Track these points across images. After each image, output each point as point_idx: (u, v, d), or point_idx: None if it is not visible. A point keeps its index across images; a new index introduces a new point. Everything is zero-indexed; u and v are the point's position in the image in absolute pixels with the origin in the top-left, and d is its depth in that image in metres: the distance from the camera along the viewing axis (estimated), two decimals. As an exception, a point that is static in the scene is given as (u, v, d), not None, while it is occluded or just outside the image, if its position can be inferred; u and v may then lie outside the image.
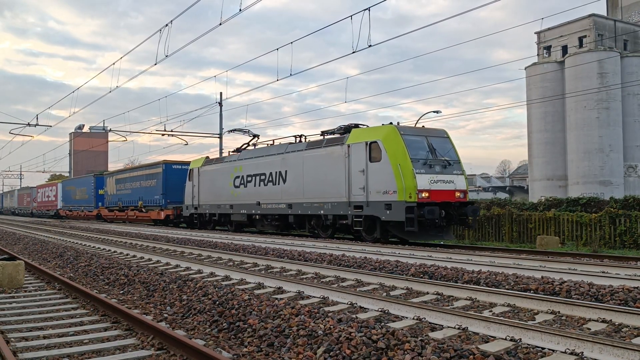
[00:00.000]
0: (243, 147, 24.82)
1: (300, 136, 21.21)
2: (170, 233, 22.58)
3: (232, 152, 25.44)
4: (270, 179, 21.17)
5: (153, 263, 12.13)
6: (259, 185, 21.85)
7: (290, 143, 21.15)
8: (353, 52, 15.73)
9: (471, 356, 4.23)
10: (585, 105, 48.14)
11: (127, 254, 14.15)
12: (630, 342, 4.82)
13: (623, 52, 51.96)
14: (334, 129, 19.23)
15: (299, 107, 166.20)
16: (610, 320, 5.77)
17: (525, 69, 54.53)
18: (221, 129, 36.86)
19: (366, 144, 16.62)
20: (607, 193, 39.52)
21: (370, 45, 15.29)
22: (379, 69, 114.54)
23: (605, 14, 57.29)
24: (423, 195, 15.30)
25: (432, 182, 15.65)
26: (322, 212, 18.35)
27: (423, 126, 17.46)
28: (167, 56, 17.71)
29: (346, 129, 18.45)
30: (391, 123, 16.91)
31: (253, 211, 22.20)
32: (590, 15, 51.97)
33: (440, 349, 4.46)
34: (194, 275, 9.74)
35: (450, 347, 4.47)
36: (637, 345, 4.54)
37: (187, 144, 35.65)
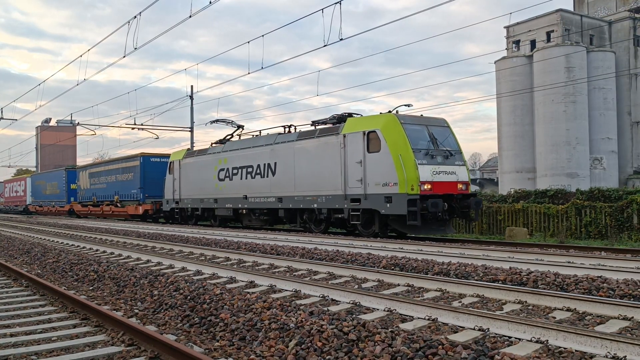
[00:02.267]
0: (227, 138, 23.72)
1: (290, 126, 20.28)
2: (141, 228, 22.32)
3: (215, 143, 24.20)
4: (259, 171, 20.19)
5: (123, 258, 11.99)
6: (246, 178, 20.85)
7: (280, 133, 20.15)
8: (325, 46, 15.74)
9: (440, 346, 4.31)
10: (553, 99, 49.08)
11: (96, 250, 13.95)
12: (593, 330, 4.97)
13: (589, 46, 53.03)
14: (325, 119, 18.46)
15: (271, 101, 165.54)
16: (575, 308, 5.92)
17: (494, 62, 55.26)
18: (192, 122, 36.54)
19: (364, 133, 15.77)
20: (574, 185, 40.41)
21: (341, 39, 15.33)
22: (350, 62, 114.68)
23: (572, 9, 58.37)
24: (425, 187, 14.61)
25: (434, 173, 14.97)
26: (315, 205, 17.50)
27: (422, 115, 16.83)
28: (136, 48, 17.43)
29: (340, 119, 17.65)
30: (390, 111, 16.12)
31: (239, 205, 21.20)
32: (557, 11, 52.88)
33: (410, 339, 4.52)
34: (165, 270, 9.67)
35: (420, 337, 4.54)
36: (599, 333, 4.68)
37: (157, 138, 35.15)
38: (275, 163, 19.34)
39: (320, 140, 17.52)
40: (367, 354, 4.35)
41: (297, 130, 19.59)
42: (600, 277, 7.25)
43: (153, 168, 29.80)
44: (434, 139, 15.53)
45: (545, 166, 49.16)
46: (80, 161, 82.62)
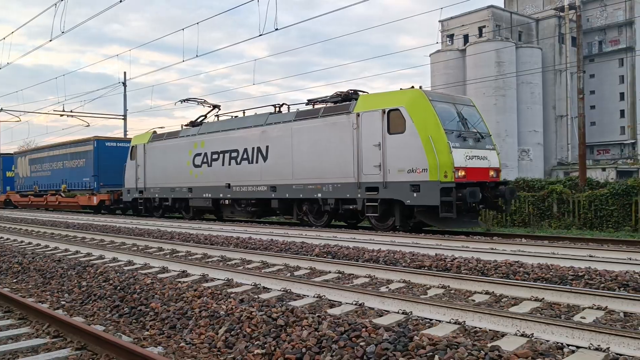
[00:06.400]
0: (199, 120, 21.16)
1: (281, 105, 17.71)
2: (70, 219, 21.61)
3: (186, 125, 21.59)
4: (245, 156, 17.76)
5: (50, 250, 11.63)
6: (229, 164, 18.35)
7: (271, 113, 17.60)
8: (260, 35, 15.72)
9: (364, 329, 4.49)
10: (484, 92, 50.91)
11: (21, 241, 13.43)
12: (507, 311, 5.31)
13: (518, 42, 55.23)
14: (326, 97, 16.24)
15: (208, 89, 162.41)
16: (493, 292, 6.29)
17: (429, 55, 56.68)
18: (125, 109, 35.62)
19: (383, 112, 13.76)
20: (503, 175, 41.94)
21: (277, 29, 15.34)
22: (288, 51, 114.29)
23: (502, 6, 60.52)
24: (459, 174, 12.88)
25: (468, 158, 13.22)
26: (319, 195, 15.30)
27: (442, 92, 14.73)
28: (63, 32, 16.79)
29: (346, 97, 15.52)
30: (413, 87, 14.29)
31: (221, 195, 18.70)
32: (489, 7, 54.71)
33: (336, 323, 4.69)
34: (95, 261, 9.47)
35: (345, 321, 4.72)
36: (511, 313, 5.02)
37: (88, 125, 33.77)
38: (267, 147, 17.04)
39: (326, 120, 15.31)
40: (294, 339, 4.49)
41: (295, 110, 17.23)
42: (517, 262, 7.70)
43: (109, 153, 26.89)
44: (463, 120, 13.82)
45: (476, 157, 50.85)
46: (5, 149, 78.59)
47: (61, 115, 33.69)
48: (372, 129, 14.02)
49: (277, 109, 17.71)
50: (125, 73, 37.95)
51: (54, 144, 33.16)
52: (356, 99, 14.98)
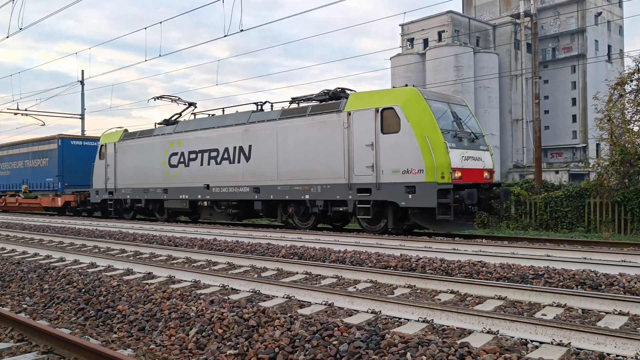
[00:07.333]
0: (176, 119, 20.43)
1: (263, 103, 17.27)
2: (26, 220, 20.99)
3: (160, 124, 20.79)
4: (226, 156, 17.10)
5: (7, 252, 11.29)
6: (209, 164, 17.65)
7: (254, 111, 17.06)
8: (225, 36, 15.65)
9: (336, 328, 4.57)
10: (443, 96, 51.88)
11: (-25, 244, 12.98)
12: (472, 309, 5.47)
13: (476, 47, 56.49)
14: (311, 95, 15.87)
15: (167, 89, 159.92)
16: (458, 291, 6.46)
17: (390, 59, 57.37)
18: (83, 108, 34.79)
19: (377, 110, 13.37)
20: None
21: (242, 30, 15.32)
22: (250, 53, 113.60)
23: (461, 12, 61.82)
24: (456, 175, 12.53)
25: (464, 159, 12.89)
26: (307, 197, 14.75)
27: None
28: (21, 29, 16.31)
29: (334, 95, 15.12)
30: (406, 85, 13.90)
31: (199, 196, 17.97)
32: (448, 12, 55.74)
33: (308, 323, 4.75)
34: (56, 264, 9.25)
35: (317, 321, 4.78)
36: (477, 311, 5.18)
37: (44, 125, 32.71)
38: (250, 146, 16.36)
39: (314, 119, 14.78)
40: (267, 339, 4.52)
41: (280, 108, 16.61)
42: (480, 262, 7.92)
43: (75, 152, 25.75)
44: (458, 119, 13.51)
45: (435, 159, 51.73)
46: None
47: (15, 113, 32.61)
48: (364, 128, 13.62)
49: (260, 107, 17.24)
50: (82, 72, 36.87)
51: (15, 142, 31.48)
52: (346, 97, 14.61)
